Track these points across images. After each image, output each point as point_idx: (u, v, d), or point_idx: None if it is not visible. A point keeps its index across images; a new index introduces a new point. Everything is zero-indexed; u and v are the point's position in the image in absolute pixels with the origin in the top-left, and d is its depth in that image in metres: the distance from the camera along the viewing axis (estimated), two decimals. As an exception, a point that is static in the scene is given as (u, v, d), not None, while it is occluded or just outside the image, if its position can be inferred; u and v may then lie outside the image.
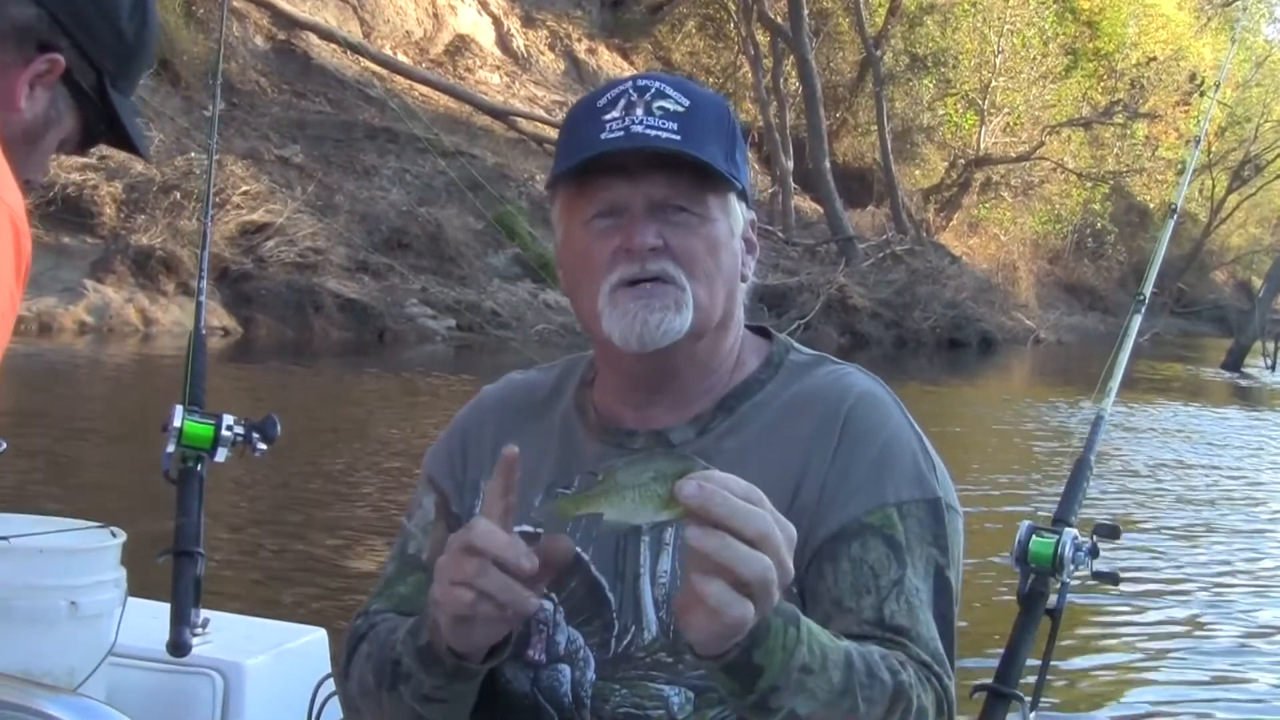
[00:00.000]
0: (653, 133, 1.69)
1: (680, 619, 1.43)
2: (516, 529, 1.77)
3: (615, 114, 1.71)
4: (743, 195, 1.79)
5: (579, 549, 1.76)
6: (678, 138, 1.69)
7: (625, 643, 1.72)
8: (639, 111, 1.70)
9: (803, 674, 1.46)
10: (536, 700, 1.75)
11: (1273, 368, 32.99)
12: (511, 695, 1.77)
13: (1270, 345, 34.00)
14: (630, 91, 1.73)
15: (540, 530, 1.79)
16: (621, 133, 1.69)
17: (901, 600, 1.66)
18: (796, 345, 1.91)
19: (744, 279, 1.82)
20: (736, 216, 1.78)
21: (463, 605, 1.51)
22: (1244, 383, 29.40)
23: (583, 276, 1.75)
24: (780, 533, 1.37)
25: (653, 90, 1.73)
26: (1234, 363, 31.61)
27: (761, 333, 1.92)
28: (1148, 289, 3.38)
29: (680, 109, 1.71)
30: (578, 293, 1.78)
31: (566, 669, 1.73)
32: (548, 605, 1.76)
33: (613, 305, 1.71)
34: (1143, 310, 3.32)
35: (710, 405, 1.81)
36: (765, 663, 1.44)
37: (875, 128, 38.17)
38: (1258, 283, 53.38)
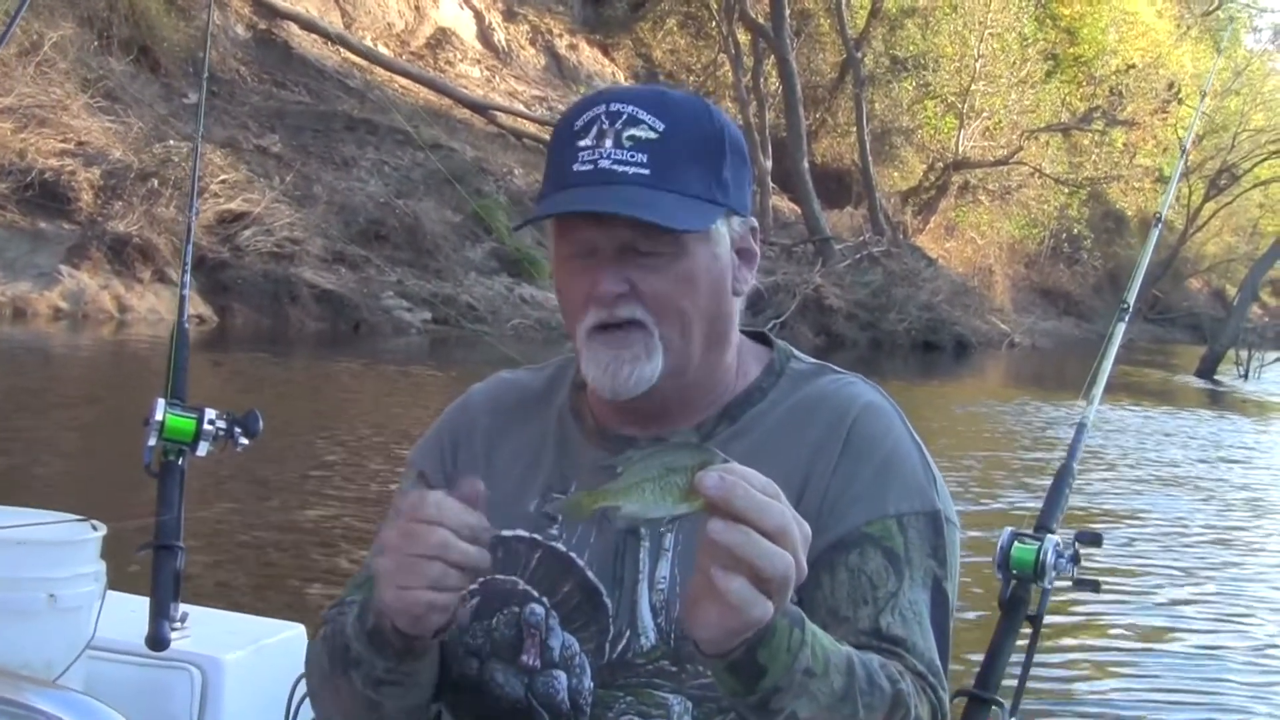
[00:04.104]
0: (621, 169, 1.65)
1: (690, 612, 1.40)
2: (509, 533, 1.77)
3: (588, 141, 1.67)
4: (733, 211, 1.74)
5: (574, 554, 1.75)
6: (646, 172, 1.65)
7: (621, 648, 1.70)
8: (608, 143, 1.66)
9: (805, 676, 1.45)
10: (530, 705, 1.73)
11: (1246, 376, 33.14)
12: (503, 700, 1.75)
13: (1244, 354, 34.15)
14: (603, 118, 1.68)
15: (535, 536, 1.78)
16: (590, 166, 1.66)
17: (897, 612, 1.66)
18: (796, 352, 1.90)
19: (737, 294, 1.78)
20: (720, 238, 1.73)
21: (416, 605, 1.51)
22: (1218, 390, 29.52)
23: (567, 310, 1.75)
24: (797, 529, 1.36)
25: (625, 116, 1.68)
26: (1208, 370, 31.73)
27: (759, 338, 1.91)
28: (1131, 298, 3.38)
29: (653, 136, 1.67)
30: (567, 321, 1.77)
31: (562, 675, 1.72)
32: (539, 610, 1.74)
33: (588, 350, 1.71)
34: (1126, 319, 3.33)
35: (714, 413, 1.80)
36: (769, 663, 1.42)
37: (854, 129, 38.27)
38: (1232, 291, 53.75)
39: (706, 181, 1.70)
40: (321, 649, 1.75)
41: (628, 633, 1.70)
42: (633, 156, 1.66)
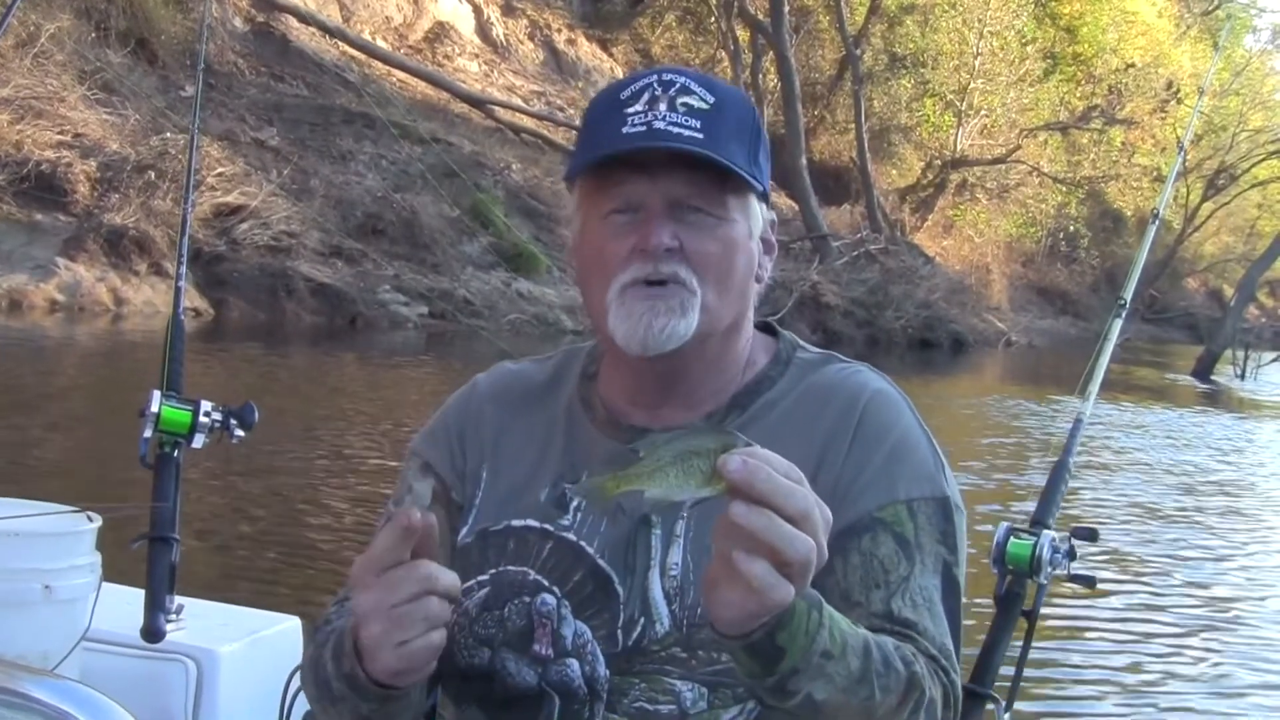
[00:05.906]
0: (675, 130, 1.67)
1: (709, 595, 1.41)
2: (519, 523, 1.79)
3: (638, 108, 1.69)
4: (764, 196, 1.78)
5: (584, 543, 1.75)
6: (700, 136, 1.67)
7: (635, 636, 1.70)
8: (662, 107, 1.68)
9: (823, 659, 1.46)
10: (543, 692, 1.73)
11: (1242, 376, 33.13)
12: (514, 689, 1.74)
13: (1241, 354, 34.14)
14: (655, 85, 1.71)
15: (546, 526, 1.78)
16: (643, 128, 1.67)
17: (909, 596, 1.67)
18: (802, 342, 1.91)
19: (759, 280, 1.81)
20: (756, 217, 1.77)
21: (423, 654, 1.50)
22: (1214, 390, 29.51)
23: (596, 271, 1.74)
24: (819, 513, 1.36)
25: (678, 85, 1.71)
26: (1204, 371, 31.68)
27: (765, 328, 1.92)
28: (1129, 294, 3.39)
29: (704, 106, 1.70)
30: (589, 286, 1.76)
31: (575, 663, 1.71)
32: (550, 600, 1.74)
33: (620, 303, 1.70)
34: (1123, 315, 3.33)
35: (723, 403, 1.81)
36: (788, 645, 1.43)
37: (853, 126, 38.28)
38: (1229, 291, 53.72)
39: (748, 159, 1.72)
40: (308, 674, 1.74)
41: (641, 620, 1.70)
42: (687, 121, 1.68)
